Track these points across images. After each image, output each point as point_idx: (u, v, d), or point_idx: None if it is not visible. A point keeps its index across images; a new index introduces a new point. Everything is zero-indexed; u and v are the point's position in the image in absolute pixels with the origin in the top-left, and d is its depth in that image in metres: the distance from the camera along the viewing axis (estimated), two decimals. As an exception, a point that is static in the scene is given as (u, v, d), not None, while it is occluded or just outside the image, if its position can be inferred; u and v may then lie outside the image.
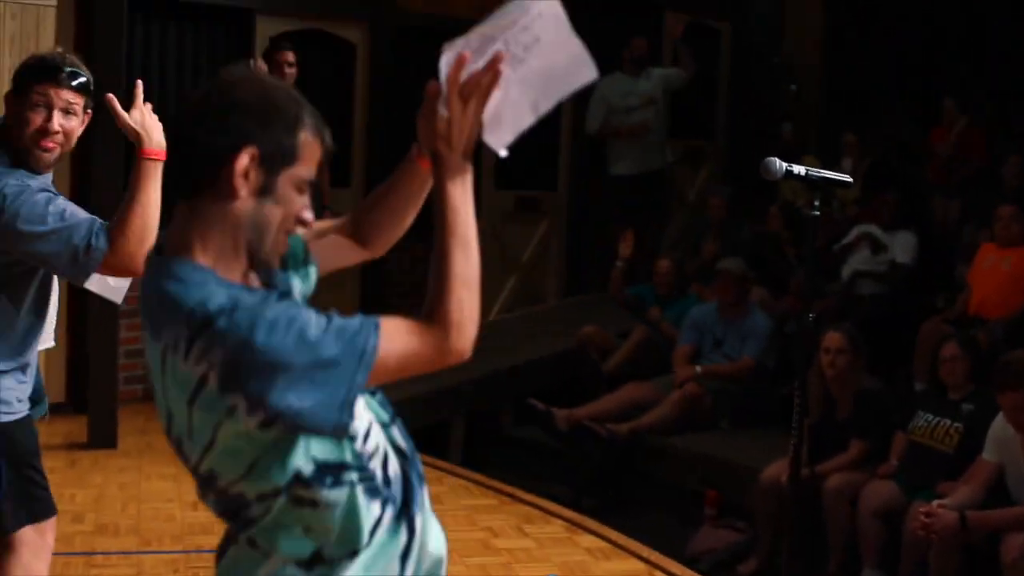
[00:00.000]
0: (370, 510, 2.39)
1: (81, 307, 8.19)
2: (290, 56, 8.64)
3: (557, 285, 11.72)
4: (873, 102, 12.36)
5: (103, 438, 7.92)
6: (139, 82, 3.97)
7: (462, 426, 9.20)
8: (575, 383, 9.17)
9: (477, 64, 2.28)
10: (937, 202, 10.28)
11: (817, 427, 6.86)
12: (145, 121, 3.90)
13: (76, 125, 3.94)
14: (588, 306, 10.94)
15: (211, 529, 6.43)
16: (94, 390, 7.96)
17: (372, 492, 2.39)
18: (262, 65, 8.55)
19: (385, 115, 10.30)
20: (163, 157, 3.83)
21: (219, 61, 9.46)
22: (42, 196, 3.74)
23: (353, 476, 2.35)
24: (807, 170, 3.68)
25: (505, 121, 2.33)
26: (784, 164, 3.61)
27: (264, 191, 2.28)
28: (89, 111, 3.97)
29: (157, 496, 7.04)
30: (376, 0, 10.24)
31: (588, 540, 6.66)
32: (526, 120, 2.33)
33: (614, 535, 6.74)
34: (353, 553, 2.39)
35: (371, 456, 2.40)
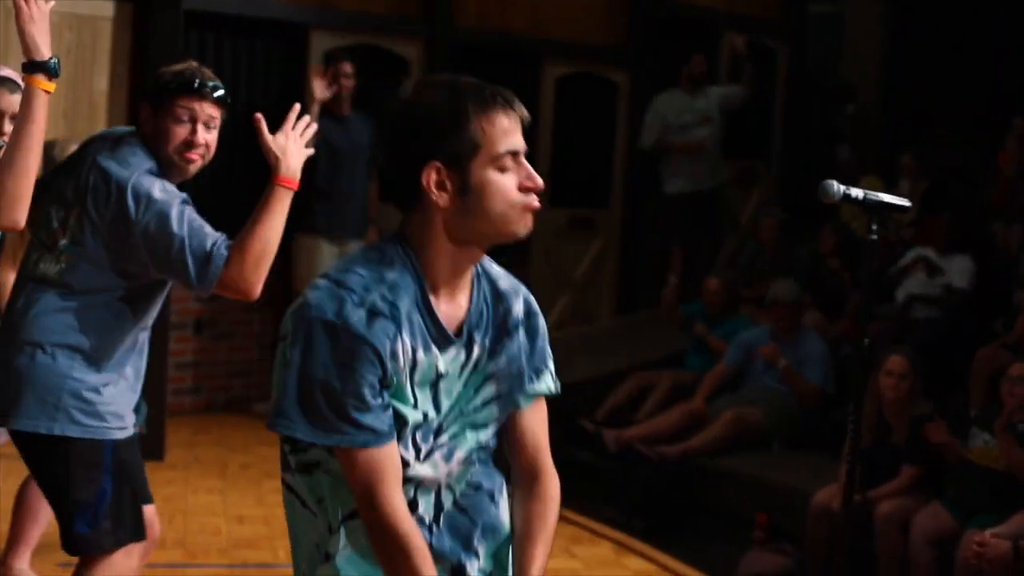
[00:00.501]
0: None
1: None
2: (347, 67, 8.73)
3: (610, 303, 11.65)
4: (932, 123, 12.22)
5: (150, 450, 7.86)
6: (258, 116, 3.89)
7: (510, 445, 9.16)
8: (626, 403, 9.12)
9: None
10: (997, 227, 10.12)
11: (869, 452, 6.79)
12: (288, 147, 3.88)
13: (215, 137, 3.98)
14: (642, 325, 10.88)
15: (257, 544, 6.43)
16: (142, 401, 7.96)
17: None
18: (320, 77, 8.58)
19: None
20: (295, 186, 3.89)
21: (273, 75, 9.49)
22: (177, 204, 3.79)
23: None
24: (865, 193, 3.61)
25: None
26: (842, 187, 3.54)
27: (464, 190, 2.47)
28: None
29: (203, 509, 7.03)
30: (431, 16, 10.21)
31: (636, 562, 6.61)
32: None
33: (662, 557, 6.69)
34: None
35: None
